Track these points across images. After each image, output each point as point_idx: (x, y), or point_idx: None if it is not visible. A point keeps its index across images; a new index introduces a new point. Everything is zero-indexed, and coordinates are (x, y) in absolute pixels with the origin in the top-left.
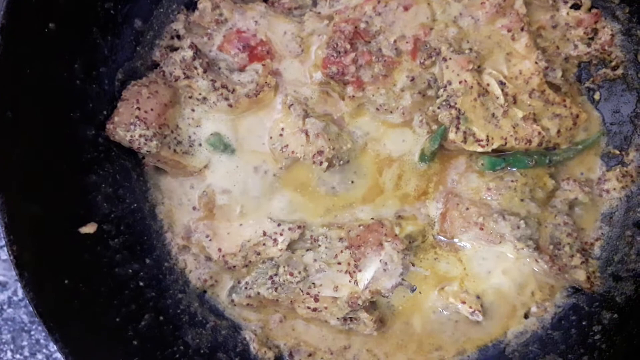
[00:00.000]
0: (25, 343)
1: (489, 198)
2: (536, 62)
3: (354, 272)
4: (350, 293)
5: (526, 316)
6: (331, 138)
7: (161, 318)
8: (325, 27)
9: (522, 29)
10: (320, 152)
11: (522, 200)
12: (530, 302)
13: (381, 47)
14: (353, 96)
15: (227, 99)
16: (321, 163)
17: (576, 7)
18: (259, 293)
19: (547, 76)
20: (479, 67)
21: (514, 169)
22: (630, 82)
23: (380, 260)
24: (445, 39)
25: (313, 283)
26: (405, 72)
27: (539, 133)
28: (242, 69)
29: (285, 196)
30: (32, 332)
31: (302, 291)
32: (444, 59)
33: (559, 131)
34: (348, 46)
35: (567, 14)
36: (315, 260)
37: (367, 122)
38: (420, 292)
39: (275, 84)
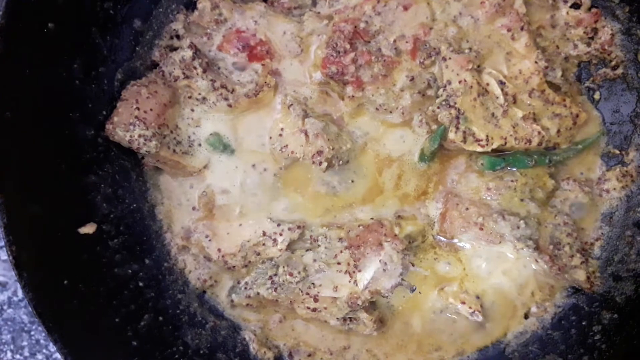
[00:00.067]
0: (25, 343)
1: (488, 198)
2: (536, 62)
3: (354, 272)
4: (349, 293)
5: (526, 316)
6: (331, 138)
7: (160, 318)
8: (324, 27)
9: (521, 29)
10: (319, 152)
11: (522, 200)
12: (530, 302)
13: (381, 47)
14: (352, 96)
15: (226, 99)
16: (321, 163)
17: (576, 6)
18: (258, 293)
19: (547, 76)
20: (478, 66)
21: (514, 169)
22: (630, 81)
23: (379, 261)
24: (444, 39)
25: (313, 283)
26: (404, 71)
27: (539, 133)
28: (241, 69)
29: (285, 196)
30: (32, 333)
31: (301, 291)
32: (444, 59)
33: (558, 131)
34: (347, 46)
35: (567, 13)
36: (314, 260)
37: (367, 122)
38: (420, 293)
39: (274, 83)
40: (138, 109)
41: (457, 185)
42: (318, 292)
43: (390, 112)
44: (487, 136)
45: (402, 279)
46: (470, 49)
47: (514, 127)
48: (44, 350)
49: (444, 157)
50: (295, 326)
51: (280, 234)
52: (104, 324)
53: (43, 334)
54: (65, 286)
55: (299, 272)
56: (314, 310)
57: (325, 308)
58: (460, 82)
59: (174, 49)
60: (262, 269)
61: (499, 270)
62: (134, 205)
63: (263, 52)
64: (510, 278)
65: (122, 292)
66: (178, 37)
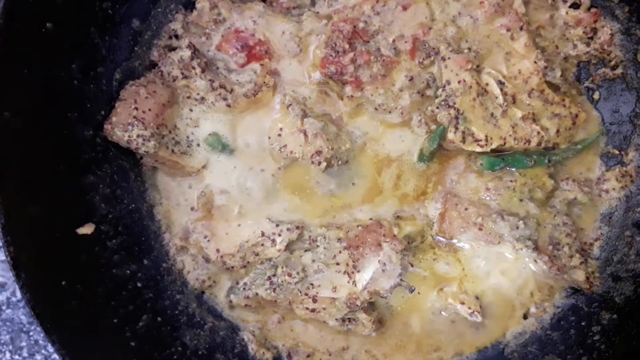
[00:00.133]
0: (24, 344)
1: (487, 198)
2: (535, 62)
3: (353, 272)
4: (348, 294)
5: (525, 317)
6: (330, 138)
7: (159, 319)
8: (323, 27)
9: (521, 29)
10: (318, 152)
11: (521, 200)
12: (529, 302)
13: (380, 47)
14: (352, 96)
15: (225, 98)
16: (319, 163)
17: (575, 6)
18: (257, 294)
19: (546, 76)
20: (477, 66)
21: (513, 169)
22: (630, 81)
23: (378, 261)
24: (444, 39)
25: (311, 284)
26: (404, 71)
27: (538, 133)
28: (240, 69)
29: (284, 197)
30: (31, 333)
31: (300, 292)
32: (443, 59)
33: (558, 131)
34: (347, 46)
35: (567, 13)
36: (313, 260)
37: (366, 122)
38: (419, 293)
39: (273, 83)
40: (137, 109)
41: (456, 186)
42: (317, 293)
43: (390, 112)
44: (486, 136)
45: (401, 280)
46: (469, 49)
47: (513, 127)
48: (43, 351)
49: (443, 157)
50: (294, 327)
51: (279, 235)
52: (102, 324)
53: (42, 335)
54: (64, 287)
55: (298, 273)
56: (313, 310)
57: (324, 308)
58: (459, 82)
59: (172, 48)
60: (261, 270)
61: (498, 271)
62: (133, 205)
63: (262, 52)
64: (510, 278)
65: (121, 292)
66: (177, 37)
